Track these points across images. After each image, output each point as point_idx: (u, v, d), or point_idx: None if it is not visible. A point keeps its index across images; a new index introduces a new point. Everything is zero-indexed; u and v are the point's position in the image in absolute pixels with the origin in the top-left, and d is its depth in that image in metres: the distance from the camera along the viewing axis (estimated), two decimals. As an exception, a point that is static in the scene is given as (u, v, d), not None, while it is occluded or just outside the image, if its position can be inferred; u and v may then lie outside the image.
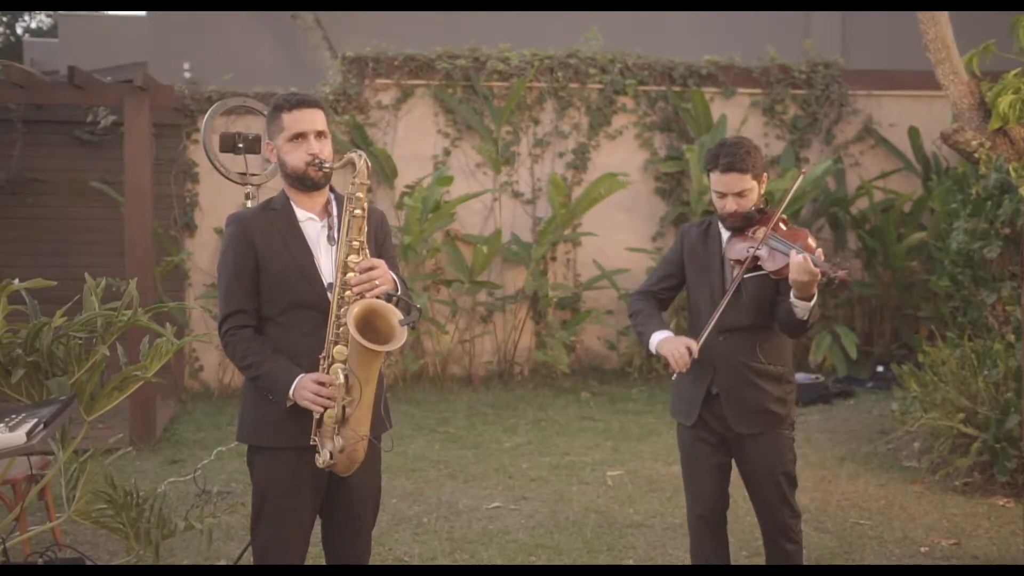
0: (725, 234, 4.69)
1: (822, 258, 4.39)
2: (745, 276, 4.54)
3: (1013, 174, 7.46)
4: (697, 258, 4.74)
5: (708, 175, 4.65)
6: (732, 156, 4.52)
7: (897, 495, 7.25)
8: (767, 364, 4.63)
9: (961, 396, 7.41)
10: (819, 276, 4.30)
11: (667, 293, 4.88)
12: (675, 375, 4.58)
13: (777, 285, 4.55)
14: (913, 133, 11.76)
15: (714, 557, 4.82)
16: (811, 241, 4.49)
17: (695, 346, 4.48)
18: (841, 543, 6.28)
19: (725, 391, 4.61)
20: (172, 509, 5.83)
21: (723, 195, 4.57)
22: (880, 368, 10.83)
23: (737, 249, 4.61)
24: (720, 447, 4.72)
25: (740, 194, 4.54)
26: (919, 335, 10.75)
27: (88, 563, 5.22)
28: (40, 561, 4.76)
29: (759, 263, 4.52)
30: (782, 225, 4.62)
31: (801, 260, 4.27)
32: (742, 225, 4.61)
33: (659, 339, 4.60)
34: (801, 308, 4.40)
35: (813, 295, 4.38)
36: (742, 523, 6.31)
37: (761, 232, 4.55)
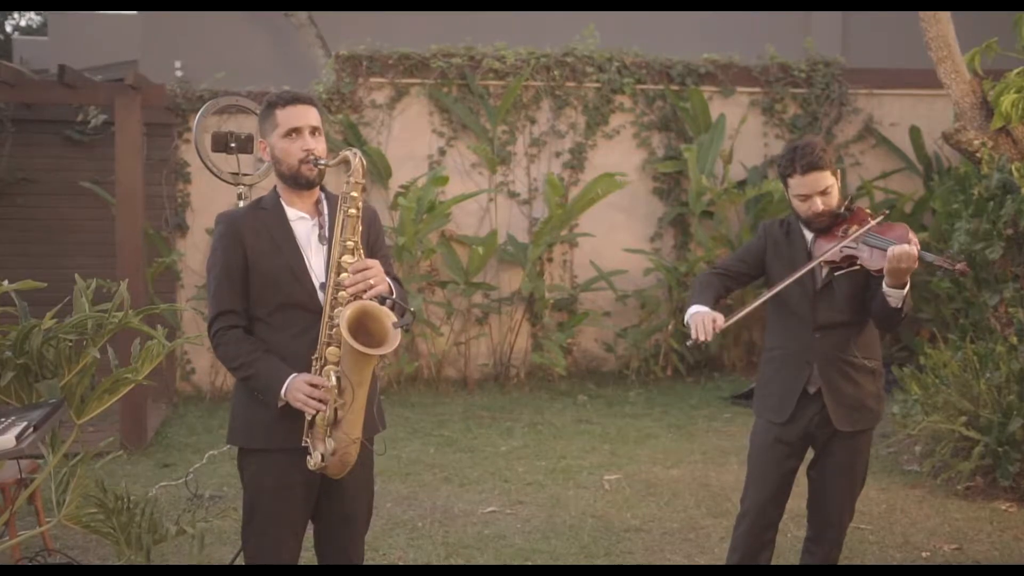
0: (808, 234, 4.68)
1: (914, 239, 4.41)
2: (836, 274, 4.55)
3: (1016, 174, 7.44)
4: (783, 255, 4.72)
5: (785, 182, 4.63)
6: (810, 155, 4.53)
7: (898, 499, 7.21)
8: (861, 358, 4.64)
9: (963, 399, 7.35)
10: (915, 265, 4.31)
11: (740, 279, 4.84)
12: (690, 342, 4.50)
13: (868, 280, 4.55)
14: (914, 132, 11.73)
15: (761, 559, 4.82)
16: (912, 235, 4.46)
17: (721, 320, 4.44)
18: (842, 548, 6.20)
19: (829, 389, 4.60)
20: (163, 513, 5.77)
21: (808, 197, 4.56)
22: (881, 371, 10.76)
23: (827, 249, 4.58)
24: (798, 449, 4.73)
25: (824, 192, 4.55)
26: (920, 337, 10.67)
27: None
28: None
29: (858, 263, 4.50)
30: (872, 221, 4.59)
31: (905, 249, 4.27)
32: (829, 224, 4.60)
33: (692, 311, 4.55)
34: (895, 296, 4.40)
35: (906, 283, 4.38)
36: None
37: (854, 230, 4.54)
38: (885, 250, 4.38)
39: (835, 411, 4.60)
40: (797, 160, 4.53)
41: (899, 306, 4.41)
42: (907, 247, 4.27)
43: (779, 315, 4.75)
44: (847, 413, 4.61)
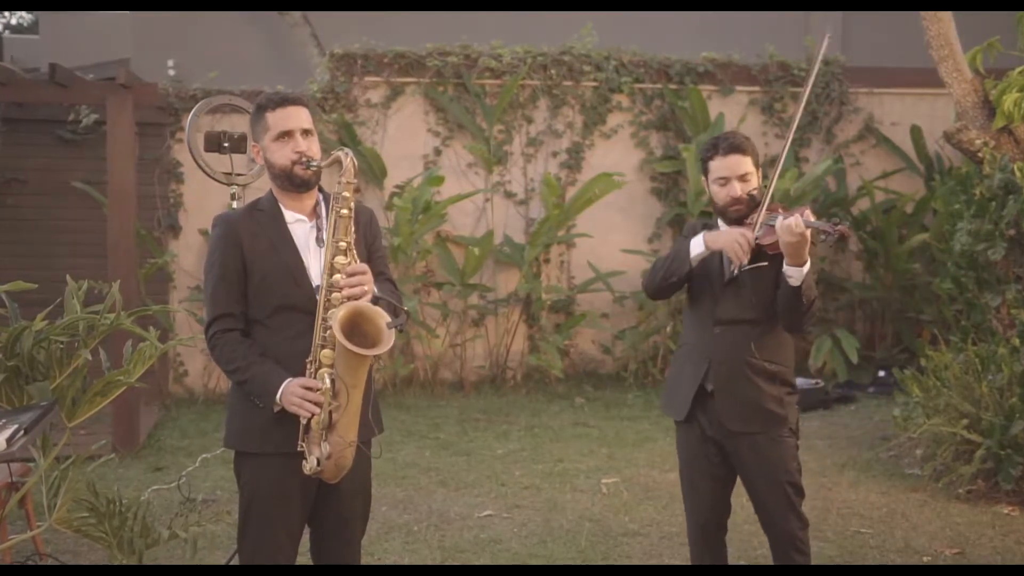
0: (723, 228, 4.63)
1: (811, 218, 4.35)
2: (748, 267, 4.46)
3: (1018, 174, 7.39)
4: None
5: (707, 167, 4.61)
6: (732, 139, 4.56)
7: (899, 503, 7.15)
8: (762, 360, 4.54)
9: (965, 401, 7.30)
10: (808, 238, 4.26)
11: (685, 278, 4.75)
12: (735, 268, 4.44)
13: (777, 277, 4.47)
14: (915, 132, 11.66)
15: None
16: (808, 213, 4.40)
17: (750, 233, 4.39)
18: (841, 552, 6.20)
19: (719, 387, 4.53)
20: (156, 517, 5.79)
21: (727, 180, 4.53)
22: (882, 373, 10.74)
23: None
24: (721, 456, 4.64)
25: (743, 178, 4.53)
26: (921, 339, 10.65)
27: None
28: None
29: (759, 241, 4.43)
30: (780, 210, 4.54)
31: (789, 221, 4.23)
32: (746, 213, 4.55)
33: (703, 237, 4.50)
34: (795, 275, 4.34)
35: (805, 261, 4.33)
36: (740, 531, 6.24)
37: (764, 216, 4.49)
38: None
39: (723, 409, 4.52)
40: (720, 143, 4.55)
41: (798, 285, 4.34)
42: (790, 220, 4.23)
43: (690, 309, 4.73)
44: (737, 411, 4.52)
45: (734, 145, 4.52)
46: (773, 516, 4.62)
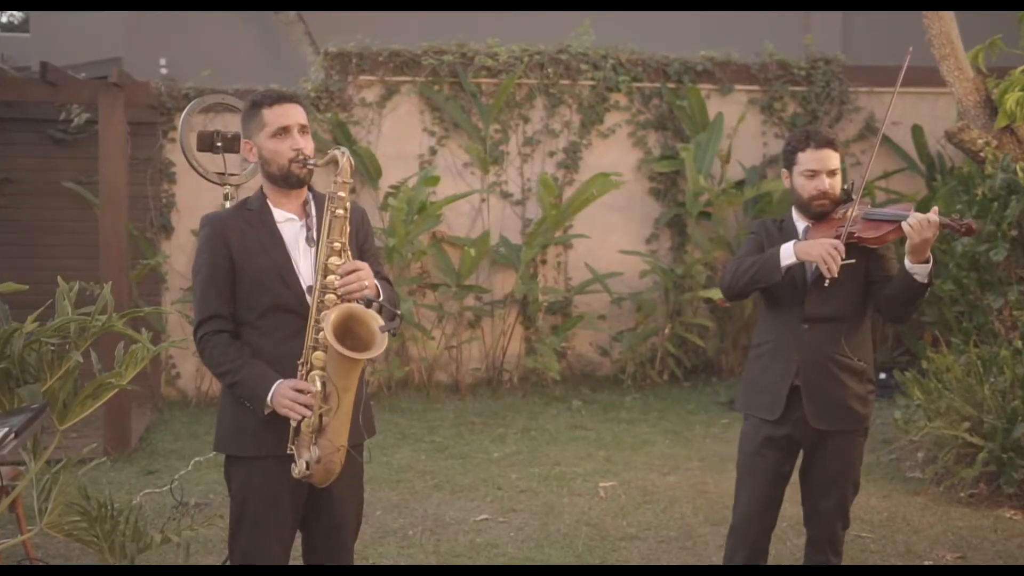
0: (801, 225, 4.64)
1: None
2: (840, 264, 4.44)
3: (1020, 174, 7.35)
4: (775, 246, 4.63)
5: (794, 158, 4.60)
6: (825, 133, 4.64)
7: (900, 507, 7.11)
8: (851, 358, 4.56)
9: (966, 404, 7.26)
10: (936, 233, 4.25)
11: None
12: (827, 281, 4.36)
13: (867, 273, 4.52)
14: (917, 132, 11.65)
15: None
16: (912, 209, 4.41)
17: (840, 245, 4.33)
18: (841, 556, 6.12)
19: (806, 384, 4.52)
20: (148, 521, 5.79)
21: (816, 173, 4.55)
22: (883, 375, 10.66)
23: (825, 231, 4.51)
24: (787, 453, 4.65)
25: (832, 173, 4.55)
26: (923, 341, 10.61)
27: None
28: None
29: (855, 236, 4.42)
30: (869, 206, 4.59)
31: (921, 218, 4.22)
32: (830, 210, 4.57)
33: (791, 246, 4.45)
34: (921, 272, 4.33)
35: (929, 258, 4.32)
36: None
37: (853, 211, 4.49)
38: (891, 222, 4.36)
39: (810, 407, 4.51)
40: (812, 136, 4.58)
41: (926, 281, 4.33)
42: (924, 216, 4.22)
43: (769, 308, 4.70)
44: (823, 410, 4.52)
45: (828, 139, 4.57)
46: (824, 515, 4.68)
